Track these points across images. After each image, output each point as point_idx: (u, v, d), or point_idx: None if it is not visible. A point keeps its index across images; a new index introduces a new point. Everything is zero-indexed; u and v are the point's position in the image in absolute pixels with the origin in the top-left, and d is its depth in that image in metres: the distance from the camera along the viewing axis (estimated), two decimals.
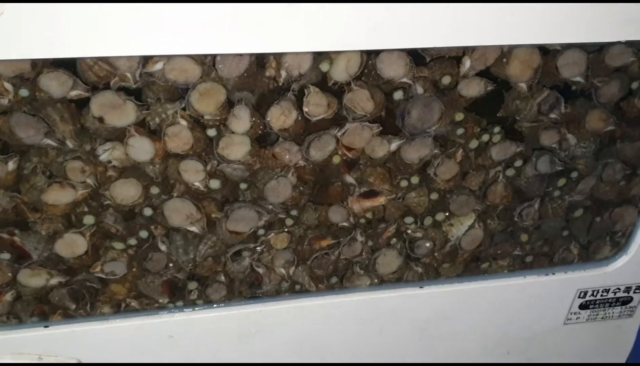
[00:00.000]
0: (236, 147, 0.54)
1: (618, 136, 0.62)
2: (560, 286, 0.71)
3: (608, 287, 0.72)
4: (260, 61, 0.50)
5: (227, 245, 0.60)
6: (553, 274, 0.70)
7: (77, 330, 0.60)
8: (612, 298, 0.73)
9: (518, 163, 0.61)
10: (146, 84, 0.49)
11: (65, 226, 0.55)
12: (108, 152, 0.52)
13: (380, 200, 0.60)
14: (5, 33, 0.43)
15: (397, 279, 0.66)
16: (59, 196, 0.53)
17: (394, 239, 0.63)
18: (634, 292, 0.73)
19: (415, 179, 0.59)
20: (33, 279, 0.57)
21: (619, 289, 0.73)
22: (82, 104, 0.50)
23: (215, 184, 0.56)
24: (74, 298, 0.60)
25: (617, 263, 0.71)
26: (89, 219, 0.55)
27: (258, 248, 0.61)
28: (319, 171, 0.57)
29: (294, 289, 0.64)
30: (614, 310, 0.74)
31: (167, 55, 0.48)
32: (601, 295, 0.73)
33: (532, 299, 0.71)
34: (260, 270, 0.62)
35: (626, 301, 0.74)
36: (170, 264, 0.60)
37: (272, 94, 0.52)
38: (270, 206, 0.58)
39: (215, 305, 0.63)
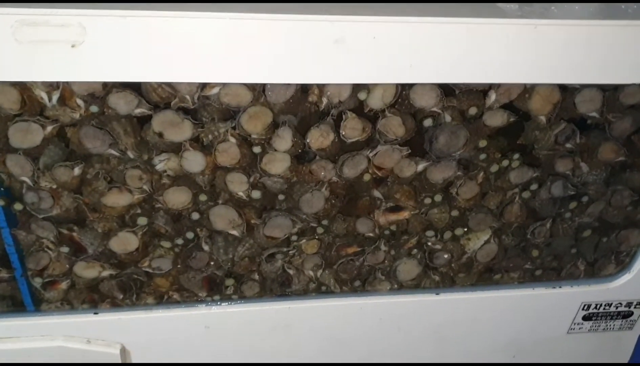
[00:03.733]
0: (277, 163, 0.59)
1: (628, 166, 0.66)
2: (566, 299, 0.77)
3: (610, 302, 0.77)
4: (304, 88, 0.55)
5: (263, 248, 0.66)
6: (560, 287, 0.76)
7: (123, 317, 0.67)
8: (614, 312, 0.78)
9: (534, 186, 0.66)
10: (202, 106, 0.55)
11: (120, 225, 0.61)
12: (164, 163, 0.58)
13: (405, 214, 0.66)
14: (83, 59, 0.48)
15: (416, 286, 0.72)
16: (117, 199, 0.59)
17: (415, 249, 0.69)
18: (635, 307, 0.79)
19: (438, 197, 0.65)
20: (87, 271, 0.64)
21: (620, 304, 0.78)
22: (144, 120, 0.55)
23: (256, 194, 0.61)
24: (122, 288, 0.66)
25: (621, 280, 0.76)
26: (142, 221, 0.61)
27: (290, 252, 0.67)
28: (350, 186, 0.63)
29: (320, 290, 0.70)
30: (615, 323, 0.80)
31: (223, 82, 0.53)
32: (604, 309, 0.78)
33: (539, 309, 0.77)
34: (291, 271, 0.68)
35: (627, 315, 0.79)
36: (211, 263, 0.66)
37: (313, 117, 0.57)
38: (304, 216, 0.64)
39: (248, 300, 0.69)
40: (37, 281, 0.63)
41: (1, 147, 0.54)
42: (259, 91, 0.55)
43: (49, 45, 0.47)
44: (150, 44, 0.48)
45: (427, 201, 0.65)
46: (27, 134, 0.54)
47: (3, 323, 0.65)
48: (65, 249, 0.62)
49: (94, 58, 0.48)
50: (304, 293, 0.70)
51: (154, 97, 0.54)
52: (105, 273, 0.64)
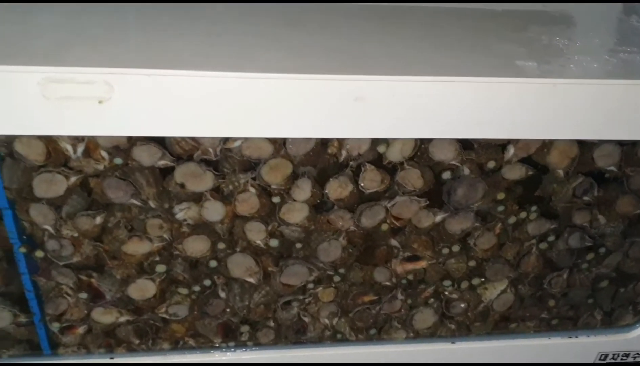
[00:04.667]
0: (296, 213, 0.60)
1: None
2: (583, 349, 0.76)
3: (628, 352, 0.76)
4: (324, 141, 0.56)
5: (279, 295, 0.66)
6: (576, 337, 0.75)
7: (139, 362, 0.67)
8: (632, 363, 0.77)
9: (551, 238, 0.66)
10: (224, 158, 0.56)
11: (138, 272, 0.62)
12: (184, 212, 0.59)
13: (422, 264, 0.66)
14: (110, 114, 0.49)
15: (431, 335, 0.72)
16: (137, 247, 0.60)
17: (432, 299, 0.69)
18: None
19: (456, 248, 0.65)
20: (105, 316, 0.64)
21: (638, 354, 0.77)
22: (167, 171, 0.56)
23: (274, 242, 0.62)
24: (138, 334, 0.66)
25: (638, 330, 0.75)
26: (161, 268, 0.61)
27: (306, 299, 0.67)
28: (367, 236, 0.63)
29: (336, 338, 0.70)
30: None
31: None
32: (621, 359, 0.77)
33: (555, 359, 0.76)
34: (307, 319, 0.68)
35: None
36: (227, 309, 0.66)
37: (332, 168, 0.58)
38: (321, 264, 0.64)
39: (263, 347, 0.69)
40: (55, 326, 0.64)
41: (25, 197, 0.55)
42: (279, 143, 0.55)
43: (76, 101, 0.48)
44: (175, 101, 0.49)
45: (445, 251, 0.65)
46: (51, 185, 0.55)
47: None
48: (83, 295, 0.62)
49: (121, 114, 0.49)
50: (319, 341, 0.70)
51: (177, 149, 0.55)
52: (122, 319, 0.64)
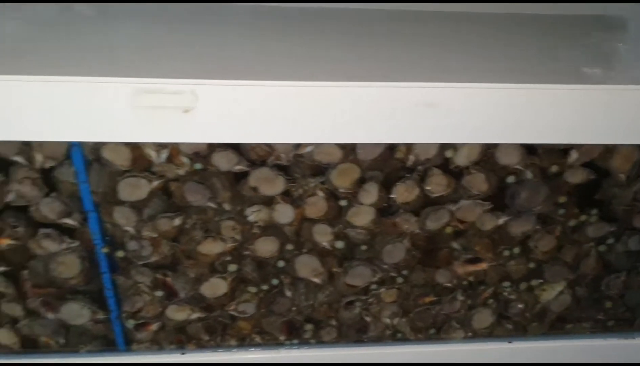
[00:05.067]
0: (362, 216, 0.62)
1: None
2: (638, 350, 0.76)
3: None
4: (392, 145, 0.58)
5: (342, 295, 0.68)
6: (633, 338, 0.76)
7: (209, 358, 0.69)
8: None
9: (610, 240, 0.67)
10: (295, 163, 0.58)
11: (210, 271, 0.65)
12: (255, 214, 0.61)
13: (483, 266, 0.67)
14: (194, 123, 0.52)
15: (489, 334, 0.73)
16: (211, 248, 0.62)
17: (491, 299, 0.70)
18: None
19: (516, 250, 0.66)
20: (178, 313, 0.67)
21: None
22: (240, 175, 0.59)
23: (340, 244, 0.64)
24: (208, 330, 0.69)
25: None
26: (232, 267, 0.64)
27: (369, 300, 0.69)
28: (430, 238, 0.65)
29: (396, 337, 0.72)
30: None
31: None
32: None
33: (611, 360, 0.77)
34: (368, 318, 0.70)
35: None
36: (293, 308, 0.68)
37: (399, 172, 0.60)
38: (385, 266, 0.66)
39: (326, 345, 0.71)
40: (131, 323, 0.67)
41: (110, 200, 0.58)
42: (349, 149, 0.57)
43: (163, 110, 0.51)
44: (255, 110, 0.52)
45: (506, 253, 0.66)
46: (135, 189, 0.58)
47: (96, 361, 0.68)
48: (159, 293, 0.65)
49: (204, 122, 0.52)
50: (379, 340, 0.72)
51: (253, 155, 0.57)
52: (194, 316, 0.67)
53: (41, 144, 0.54)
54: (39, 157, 0.55)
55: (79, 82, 0.49)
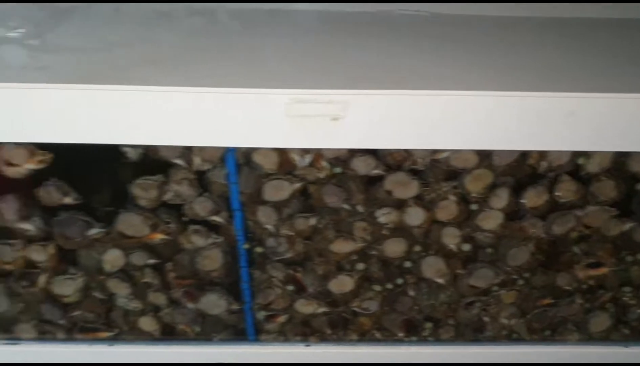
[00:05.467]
0: (491, 220, 0.64)
1: None
2: None
3: None
4: (524, 152, 0.60)
5: (463, 295, 0.70)
6: None
7: (331, 350, 0.73)
8: None
9: None
10: (430, 168, 0.61)
11: (338, 269, 0.68)
12: (385, 216, 0.64)
13: (604, 270, 0.68)
14: (341, 130, 0.55)
15: (604, 338, 0.74)
16: (342, 247, 0.66)
17: (609, 304, 0.71)
18: None
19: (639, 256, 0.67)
20: (305, 307, 0.71)
21: None
22: (375, 179, 0.62)
23: (466, 247, 0.66)
24: (331, 324, 0.73)
25: None
26: (360, 266, 0.68)
27: (488, 301, 0.71)
28: (554, 242, 0.66)
29: (511, 337, 0.74)
30: None
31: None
32: None
33: None
34: (486, 319, 0.72)
35: None
36: (414, 307, 0.71)
37: (529, 178, 0.62)
38: (508, 268, 0.68)
39: (443, 343, 0.74)
40: (261, 314, 0.71)
41: (254, 200, 0.63)
42: (485, 155, 0.60)
43: (313, 118, 0.55)
44: (398, 117, 0.55)
45: (629, 258, 0.67)
46: (278, 190, 0.62)
47: (226, 350, 0.73)
48: (290, 288, 0.69)
49: (350, 129, 0.55)
50: (494, 339, 0.74)
51: (390, 160, 0.60)
52: (320, 310, 0.71)
53: (201, 149, 0.59)
54: (197, 161, 0.60)
55: (241, 94, 0.53)
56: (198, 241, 0.65)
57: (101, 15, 0.64)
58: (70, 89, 0.52)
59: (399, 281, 0.69)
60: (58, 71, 0.54)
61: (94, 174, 0.62)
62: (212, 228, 0.65)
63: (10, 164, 0.59)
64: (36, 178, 0.61)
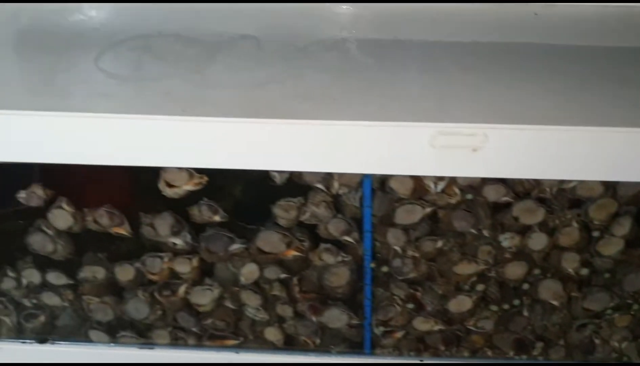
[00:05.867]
0: (611, 246, 0.67)
1: None
2: None
3: None
4: None
5: (576, 317, 0.73)
6: None
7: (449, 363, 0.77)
8: None
9: None
10: (556, 196, 0.64)
11: (456, 289, 0.72)
12: (508, 241, 0.68)
13: None
14: (480, 160, 0.59)
15: None
16: (465, 269, 0.70)
17: None
18: None
19: None
20: (423, 324, 0.75)
21: None
22: (503, 206, 0.66)
23: (584, 271, 0.69)
24: (445, 341, 0.76)
25: None
26: (480, 287, 0.71)
27: (601, 324, 0.73)
28: None
29: (621, 360, 0.76)
30: None
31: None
32: None
33: None
34: (597, 341, 0.75)
35: None
36: (527, 327, 0.74)
37: None
38: (623, 293, 0.70)
39: (552, 363, 0.76)
40: (379, 330, 0.76)
41: (385, 222, 0.67)
42: (610, 185, 0.63)
43: (455, 149, 0.59)
44: (536, 150, 0.58)
45: None
46: (409, 214, 0.66)
47: (343, 361, 0.78)
48: (410, 306, 0.73)
49: (488, 159, 0.59)
50: (603, 361, 0.76)
51: (519, 188, 0.64)
52: (436, 327, 0.75)
53: (342, 174, 0.64)
54: (336, 185, 0.65)
55: (389, 126, 0.58)
56: (328, 258, 0.70)
57: (245, 52, 0.70)
58: (238, 123, 0.57)
59: (516, 302, 0.72)
60: (225, 105, 0.59)
61: (242, 195, 0.68)
62: (342, 246, 0.70)
63: (170, 186, 0.65)
64: (190, 198, 0.67)
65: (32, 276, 0.73)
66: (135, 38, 0.72)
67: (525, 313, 0.73)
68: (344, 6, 0.75)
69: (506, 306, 0.73)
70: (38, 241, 0.70)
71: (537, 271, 0.70)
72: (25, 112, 0.58)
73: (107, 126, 0.58)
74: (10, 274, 0.73)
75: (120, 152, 0.60)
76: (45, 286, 0.74)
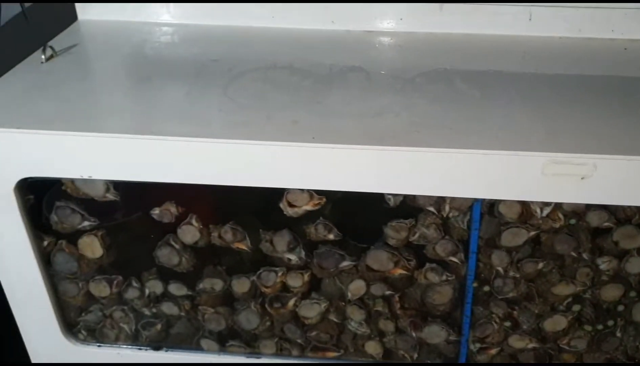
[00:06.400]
0: None
1: None
2: None
3: None
4: None
5: None
6: None
7: None
8: None
9: None
10: None
11: (552, 309, 0.76)
12: (606, 264, 0.72)
13: None
14: (587, 187, 0.63)
15: None
16: (563, 290, 0.74)
17: None
18: None
19: None
20: (518, 342, 0.78)
21: None
22: (603, 230, 0.70)
23: None
24: (537, 358, 0.80)
25: None
26: (576, 307, 0.75)
27: None
28: None
29: None
30: None
31: None
32: None
33: None
34: None
35: None
36: (619, 348, 0.77)
37: None
38: None
39: None
40: (475, 346, 0.80)
41: (490, 245, 0.72)
42: None
43: (564, 176, 0.63)
44: None
45: None
46: (515, 237, 0.70)
47: None
48: (507, 324, 0.77)
49: (596, 187, 0.63)
50: None
51: (621, 214, 0.68)
52: (530, 345, 0.78)
53: (454, 199, 0.69)
54: (447, 209, 0.70)
55: (505, 155, 0.63)
56: (433, 278, 0.75)
57: (357, 83, 0.76)
58: (364, 149, 0.63)
59: (610, 322, 0.76)
60: (349, 133, 0.65)
61: (356, 215, 0.73)
62: (446, 266, 0.74)
63: (292, 205, 0.71)
64: (307, 217, 0.72)
65: (155, 287, 0.79)
66: (254, 70, 0.79)
67: (618, 334, 0.77)
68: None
69: (600, 327, 0.76)
70: (165, 255, 0.76)
71: (632, 294, 0.73)
72: (176, 139, 0.64)
73: (246, 152, 0.65)
74: (135, 284, 0.79)
75: (252, 175, 0.66)
76: (165, 296, 0.80)
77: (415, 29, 0.90)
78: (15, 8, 1.10)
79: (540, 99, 0.73)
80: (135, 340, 0.84)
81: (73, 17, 0.94)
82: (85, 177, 0.67)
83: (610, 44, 0.86)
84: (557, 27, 0.88)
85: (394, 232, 0.72)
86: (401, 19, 0.90)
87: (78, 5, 0.93)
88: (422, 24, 0.90)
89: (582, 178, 0.63)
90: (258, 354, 0.83)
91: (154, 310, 0.82)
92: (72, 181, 0.70)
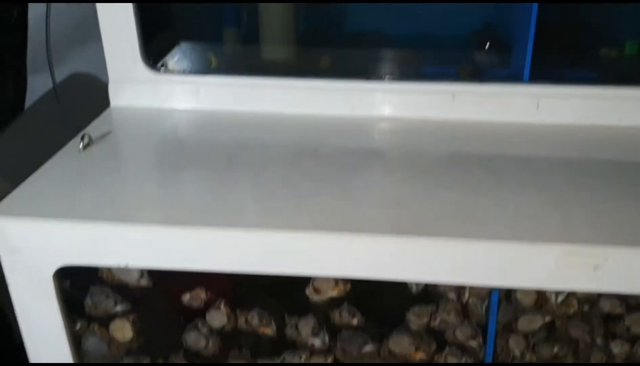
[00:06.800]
0: None
1: None
2: None
3: None
4: None
5: None
6: None
7: None
8: None
9: None
10: None
11: None
12: (618, 348, 0.75)
13: None
14: (599, 277, 0.67)
15: None
16: None
17: None
18: None
19: None
20: None
21: None
22: (616, 316, 0.73)
23: None
24: None
25: None
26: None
27: None
28: None
29: None
30: None
31: None
32: None
33: None
34: None
35: None
36: None
37: None
38: None
39: None
40: None
41: (507, 329, 0.75)
42: None
43: (577, 267, 0.67)
44: None
45: None
46: (531, 322, 0.74)
47: None
48: None
49: (609, 276, 0.67)
50: None
51: (632, 301, 0.72)
52: None
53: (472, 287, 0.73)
54: (467, 295, 0.73)
55: (519, 245, 0.67)
56: (452, 361, 0.77)
57: (379, 170, 0.81)
58: (391, 239, 0.67)
59: None
60: (375, 222, 0.69)
61: (379, 301, 0.76)
62: (464, 350, 0.77)
63: (317, 291, 0.74)
64: (331, 302, 0.75)
65: None
66: (284, 156, 0.84)
67: None
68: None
69: None
70: (193, 338, 0.78)
71: None
72: (211, 229, 0.68)
73: (278, 240, 0.68)
74: None
75: (283, 262, 0.70)
76: None
77: (430, 116, 0.96)
78: (42, 78, 1.16)
79: (551, 185, 0.77)
80: None
81: (106, 103, 0.99)
82: (122, 266, 0.70)
83: (625, 132, 0.92)
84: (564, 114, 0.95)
85: (416, 317, 0.75)
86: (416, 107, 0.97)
87: (111, 91, 0.99)
88: (436, 111, 0.96)
89: (595, 268, 0.67)
90: None
91: None
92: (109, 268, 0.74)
